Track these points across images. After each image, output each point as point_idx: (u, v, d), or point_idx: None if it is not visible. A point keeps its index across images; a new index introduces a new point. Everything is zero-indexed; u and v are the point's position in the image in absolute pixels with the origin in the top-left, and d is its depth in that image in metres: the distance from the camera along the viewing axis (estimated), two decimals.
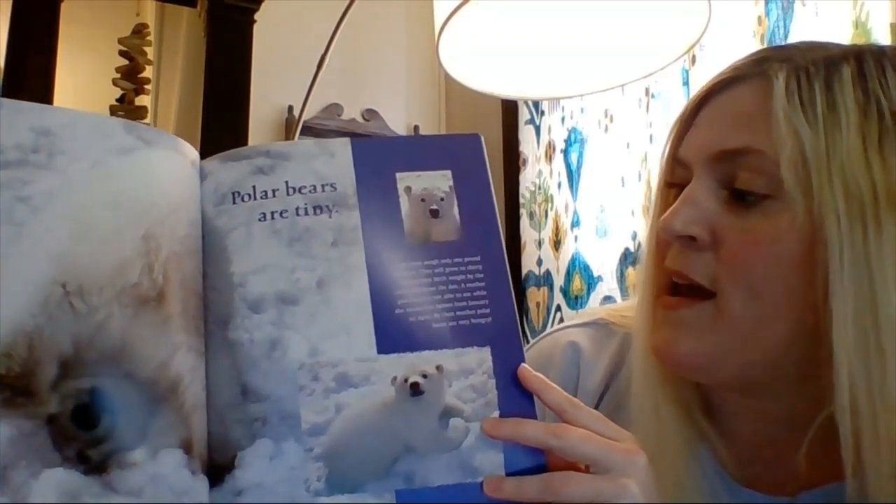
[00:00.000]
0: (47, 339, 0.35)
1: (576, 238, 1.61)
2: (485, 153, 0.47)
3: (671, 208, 0.50)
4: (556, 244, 1.68)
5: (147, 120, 1.80)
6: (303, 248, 0.43)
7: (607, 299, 1.48)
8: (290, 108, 1.89)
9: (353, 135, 1.96)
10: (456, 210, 0.45)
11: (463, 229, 0.45)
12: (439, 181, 0.45)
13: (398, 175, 0.45)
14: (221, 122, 1.69)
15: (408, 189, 0.45)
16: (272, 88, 1.85)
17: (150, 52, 1.86)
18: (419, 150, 0.47)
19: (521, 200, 1.83)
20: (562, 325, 0.66)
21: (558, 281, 1.66)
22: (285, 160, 0.44)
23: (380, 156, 0.46)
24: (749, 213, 0.47)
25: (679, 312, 0.49)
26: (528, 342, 0.67)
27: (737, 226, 0.48)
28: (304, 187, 0.44)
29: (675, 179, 0.53)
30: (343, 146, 0.46)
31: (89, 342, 0.36)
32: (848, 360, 0.43)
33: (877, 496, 0.44)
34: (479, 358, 0.42)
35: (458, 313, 0.43)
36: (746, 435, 0.54)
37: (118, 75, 1.80)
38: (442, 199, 0.45)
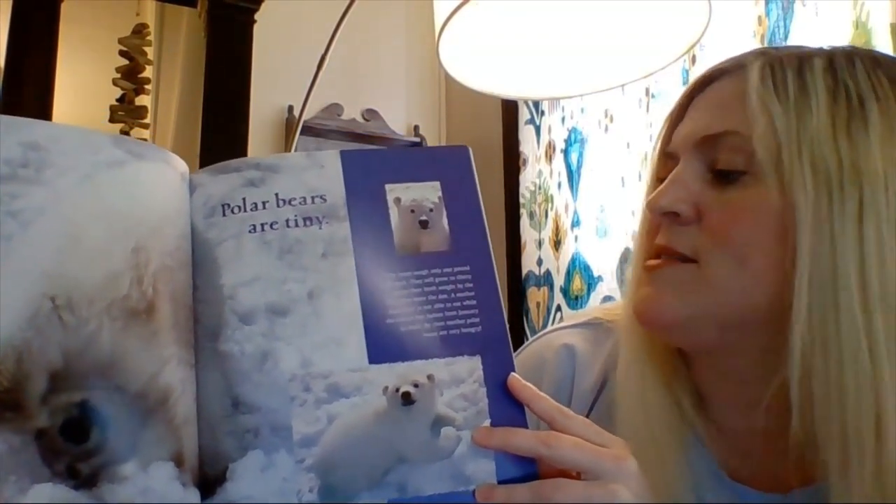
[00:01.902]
0: (36, 353, 0.35)
1: (576, 238, 1.61)
2: (473, 164, 0.47)
3: (659, 189, 0.52)
4: (556, 244, 1.68)
5: (147, 120, 1.81)
6: (293, 260, 0.43)
7: (607, 299, 1.48)
8: (290, 108, 1.89)
9: (352, 135, 1.96)
10: (445, 221, 0.45)
11: (452, 239, 0.45)
12: (428, 192, 0.46)
13: (387, 186, 0.45)
14: (221, 122, 1.69)
15: (397, 200, 0.45)
16: (272, 88, 1.85)
17: (150, 52, 1.86)
18: (408, 162, 0.47)
19: (521, 200, 1.83)
20: (554, 326, 0.66)
21: (558, 281, 1.66)
22: (275, 172, 0.44)
23: (369, 167, 0.46)
24: (729, 188, 0.50)
25: (661, 271, 0.51)
26: (526, 342, 0.67)
27: (718, 200, 0.50)
28: (294, 199, 0.44)
29: (665, 173, 0.55)
30: (333, 158, 0.46)
31: (79, 355, 0.36)
32: (802, 318, 0.45)
33: (826, 451, 0.46)
34: (470, 367, 0.43)
35: (448, 323, 0.43)
36: (737, 426, 0.54)
37: (118, 75, 1.80)
38: (431, 210, 0.45)
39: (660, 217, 0.52)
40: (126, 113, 1.79)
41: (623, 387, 0.55)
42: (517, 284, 1.79)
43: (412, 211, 0.45)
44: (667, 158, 0.56)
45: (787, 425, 0.49)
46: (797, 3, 1.09)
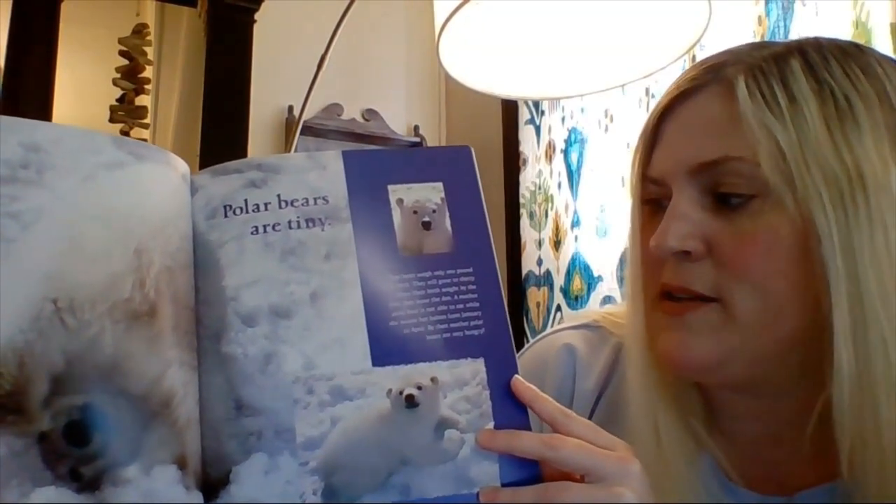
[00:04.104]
0: (38, 356, 0.35)
1: (576, 238, 1.61)
2: (475, 165, 0.47)
3: (661, 226, 0.49)
4: (556, 244, 1.68)
5: (147, 120, 1.80)
6: (296, 262, 0.43)
7: (607, 299, 1.48)
8: (290, 108, 1.89)
9: (353, 135, 1.96)
10: (448, 222, 0.45)
11: (455, 241, 0.45)
12: (431, 193, 0.45)
13: (390, 187, 0.45)
14: (221, 122, 1.69)
15: (400, 201, 0.45)
16: (272, 88, 1.84)
17: (150, 52, 1.85)
18: (410, 163, 0.47)
19: (521, 200, 1.82)
20: (556, 327, 0.66)
21: (558, 281, 1.66)
22: (277, 173, 0.44)
23: (371, 168, 0.46)
24: (737, 215, 0.48)
25: (685, 317, 0.49)
26: (528, 343, 0.67)
27: (728, 231, 0.48)
28: (297, 200, 0.44)
29: (649, 196, 0.53)
30: (335, 159, 0.46)
31: (81, 358, 0.36)
32: (845, 336, 0.44)
33: (866, 456, 0.45)
34: (473, 369, 0.42)
35: (451, 325, 0.43)
36: (748, 435, 0.54)
37: (118, 75, 1.80)
38: (434, 211, 0.45)
39: (668, 256, 0.49)
40: (126, 113, 1.79)
41: (632, 404, 0.54)
42: (517, 284, 1.79)
43: (415, 212, 0.45)
44: (648, 182, 0.53)
45: (802, 430, 0.48)
46: (797, 3, 1.09)
